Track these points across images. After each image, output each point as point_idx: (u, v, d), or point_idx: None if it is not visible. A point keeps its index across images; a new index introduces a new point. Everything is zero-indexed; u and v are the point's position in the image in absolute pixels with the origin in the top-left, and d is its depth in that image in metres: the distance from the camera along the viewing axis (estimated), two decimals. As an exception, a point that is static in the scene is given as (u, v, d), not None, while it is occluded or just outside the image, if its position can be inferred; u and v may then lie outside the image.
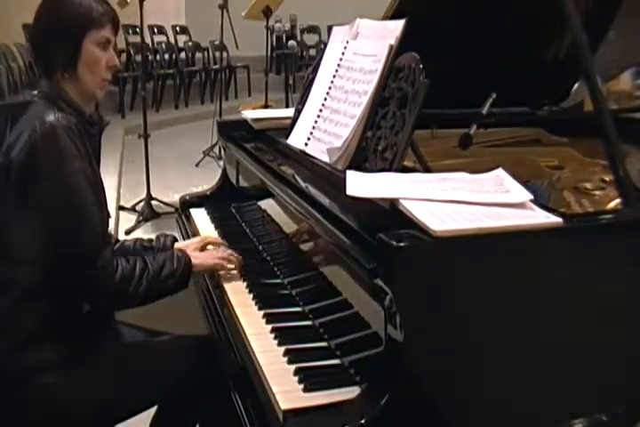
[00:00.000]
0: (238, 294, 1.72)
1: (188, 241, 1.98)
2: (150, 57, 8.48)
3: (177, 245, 1.90)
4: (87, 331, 1.59)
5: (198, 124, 7.74)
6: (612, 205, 1.57)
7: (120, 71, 1.71)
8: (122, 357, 1.63)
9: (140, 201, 4.63)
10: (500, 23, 2.01)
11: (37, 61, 1.66)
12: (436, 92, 1.47)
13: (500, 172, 1.44)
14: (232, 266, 1.80)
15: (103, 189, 1.67)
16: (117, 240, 1.91)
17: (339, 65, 1.84)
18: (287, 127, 1.98)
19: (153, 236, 1.95)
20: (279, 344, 1.45)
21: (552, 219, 1.23)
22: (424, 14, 1.77)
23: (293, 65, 8.94)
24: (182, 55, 9.47)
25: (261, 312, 1.60)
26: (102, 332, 1.66)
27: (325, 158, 1.69)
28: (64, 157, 1.49)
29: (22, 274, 1.52)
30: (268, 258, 1.92)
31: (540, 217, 1.23)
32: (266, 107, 5.76)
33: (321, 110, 1.83)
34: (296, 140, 1.89)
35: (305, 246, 1.68)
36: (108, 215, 1.75)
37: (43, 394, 1.51)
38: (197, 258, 1.73)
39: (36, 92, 1.64)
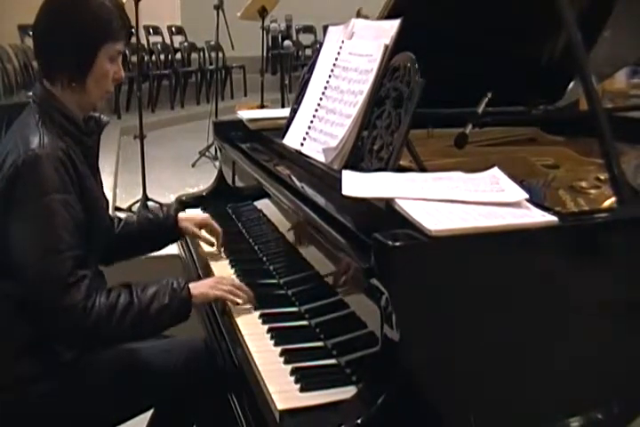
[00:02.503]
0: (234, 295, 1.71)
1: (192, 215, 2.03)
2: (146, 57, 8.46)
3: (180, 215, 1.92)
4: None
5: (194, 124, 7.73)
6: (607, 203, 1.58)
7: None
8: (119, 359, 1.62)
9: (136, 202, 4.62)
10: (495, 22, 2.01)
11: (41, 65, 1.59)
12: (431, 92, 1.47)
13: (495, 171, 1.44)
14: (239, 300, 1.61)
15: (99, 203, 1.63)
16: (120, 219, 1.89)
17: (334, 65, 1.84)
18: (283, 127, 1.98)
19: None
20: (275, 344, 1.45)
21: (547, 218, 1.23)
22: (419, 14, 1.77)
23: (289, 65, 8.93)
24: (178, 56, 9.45)
25: (257, 313, 1.60)
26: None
27: (321, 158, 1.69)
28: (42, 191, 1.42)
29: (14, 289, 1.48)
30: (264, 258, 1.92)
31: (536, 216, 1.23)
32: (262, 107, 5.76)
33: (317, 110, 1.83)
34: (292, 140, 1.89)
35: (301, 246, 1.68)
36: (113, 225, 1.75)
37: (40, 398, 1.50)
38: (198, 288, 1.57)
39: (30, 93, 1.61)
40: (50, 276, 1.42)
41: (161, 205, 1.95)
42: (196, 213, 2.01)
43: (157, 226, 1.90)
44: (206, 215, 2.03)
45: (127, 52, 8.11)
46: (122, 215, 2.08)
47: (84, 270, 1.46)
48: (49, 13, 1.55)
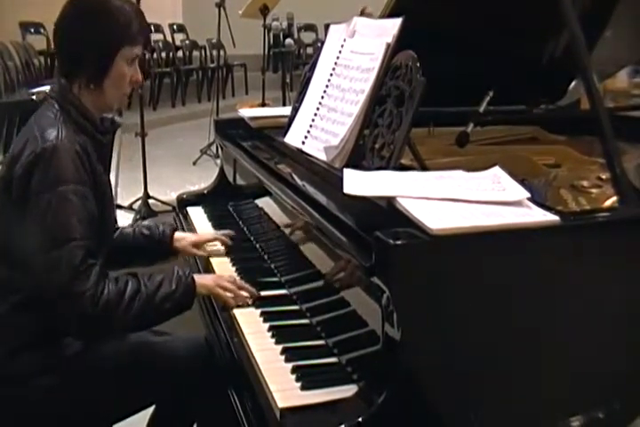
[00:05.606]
0: (235, 293, 1.71)
1: (185, 234, 2.01)
2: (147, 55, 8.46)
3: (176, 235, 1.92)
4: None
5: (195, 122, 7.74)
6: (608, 203, 1.57)
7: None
8: (120, 356, 1.62)
9: (138, 199, 4.64)
10: (498, 21, 2.01)
11: (61, 65, 1.63)
12: (433, 90, 1.47)
13: (496, 170, 1.44)
14: (241, 303, 1.63)
15: (110, 200, 1.66)
16: (116, 228, 1.89)
17: (336, 63, 1.84)
18: (284, 126, 1.98)
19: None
20: (276, 343, 1.45)
21: (549, 217, 1.23)
22: (421, 12, 1.77)
23: (290, 63, 8.93)
24: (179, 53, 9.47)
25: (258, 311, 1.60)
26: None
27: (323, 157, 1.69)
28: (59, 180, 1.45)
29: (22, 281, 1.50)
30: (266, 257, 1.92)
31: (537, 215, 1.23)
32: (263, 105, 5.75)
33: (318, 108, 1.82)
34: (293, 138, 1.89)
35: (302, 245, 1.68)
36: (116, 222, 1.74)
37: (41, 394, 1.51)
38: (203, 280, 1.61)
39: (51, 87, 1.62)
40: (61, 263, 1.43)
41: (157, 224, 1.94)
42: (189, 234, 2.02)
43: (152, 243, 1.89)
44: (199, 235, 2.02)
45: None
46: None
47: (94, 259, 1.48)
48: (71, 16, 1.59)
